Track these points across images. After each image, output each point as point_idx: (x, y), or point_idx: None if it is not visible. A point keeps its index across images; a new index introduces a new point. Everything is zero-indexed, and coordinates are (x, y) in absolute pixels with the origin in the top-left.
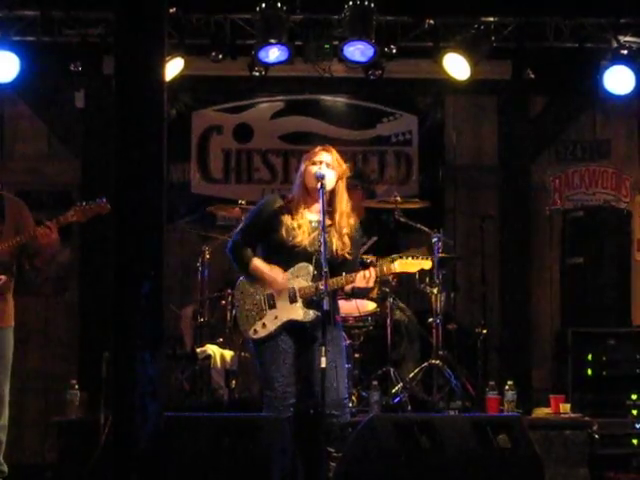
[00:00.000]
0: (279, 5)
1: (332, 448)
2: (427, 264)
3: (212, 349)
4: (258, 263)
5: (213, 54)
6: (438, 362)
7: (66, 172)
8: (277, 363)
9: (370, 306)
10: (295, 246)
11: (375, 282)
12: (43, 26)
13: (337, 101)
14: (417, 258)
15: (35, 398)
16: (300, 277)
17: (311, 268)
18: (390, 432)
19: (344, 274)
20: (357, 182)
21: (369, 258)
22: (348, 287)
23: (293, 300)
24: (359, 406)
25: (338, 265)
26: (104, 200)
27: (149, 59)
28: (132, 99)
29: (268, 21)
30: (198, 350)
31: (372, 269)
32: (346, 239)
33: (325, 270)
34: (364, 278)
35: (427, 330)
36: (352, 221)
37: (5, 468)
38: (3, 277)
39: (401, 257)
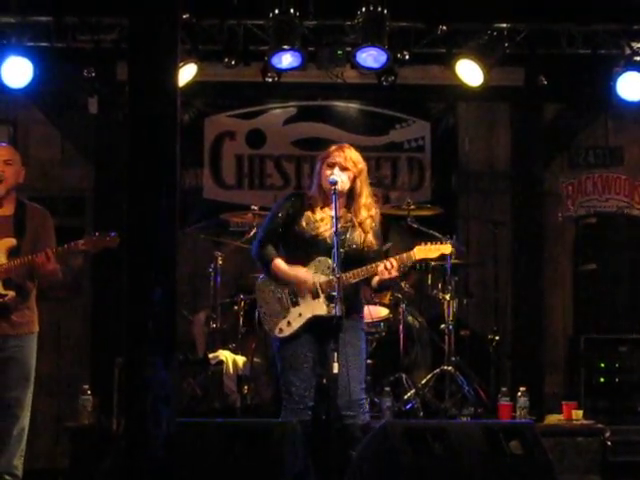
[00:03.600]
0: (292, 11)
1: (353, 451)
2: (447, 248)
3: (224, 355)
4: (279, 263)
5: (226, 60)
6: (450, 368)
7: (79, 178)
8: (295, 367)
9: (382, 312)
10: (316, 236)
11: (399, 271)
12: (56, 32)
13: (350, 107)
14: (436, 244)
15: (47, 403)
16: (320, 272)
17: (330, 262)
18: (402, 438)
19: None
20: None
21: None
22: (375, 281)
23: (316, 296)
24: (371, 412)
25: (365, 258)
26: (114, 234)
27: (162, 65)
28: (145, 105)
29: (281, 27)
30: (210, 356)
31: (392, 259)
32: (367, 229)
33: (338, 275)
34: (386, 269)
35: (439, 336)
36: (372, 213)
37: (20, 473)
38: (11, 293)
39: (419, 244)
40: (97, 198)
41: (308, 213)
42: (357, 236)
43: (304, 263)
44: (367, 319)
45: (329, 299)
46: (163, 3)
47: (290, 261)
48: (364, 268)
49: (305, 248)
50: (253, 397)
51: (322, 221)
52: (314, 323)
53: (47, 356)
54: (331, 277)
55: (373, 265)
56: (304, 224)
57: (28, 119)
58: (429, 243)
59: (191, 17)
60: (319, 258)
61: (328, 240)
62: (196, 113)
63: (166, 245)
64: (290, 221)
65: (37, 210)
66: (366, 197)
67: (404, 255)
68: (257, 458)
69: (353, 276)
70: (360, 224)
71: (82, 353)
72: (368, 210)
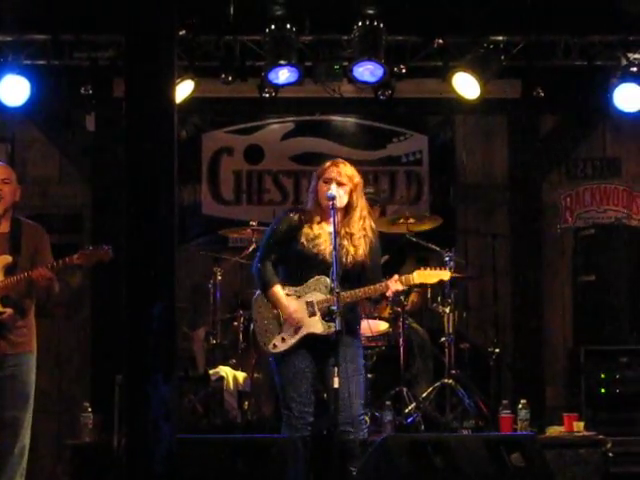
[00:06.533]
0: (288, 26)
1: (352, 467)
2: (446, 275)
3: (225, 371)
4: (277, 292)
5: (223, 76)
6: (451, 381)
7: (77, 195)
8: (295, 383)
9: (382, 326)
10: (317, 254)
11: (394, 294)
12: (53, 50)
13: (347, 121)
14: (435, 269)
15: (48, 421)
16: (317, 290)
17: (328, 280)
18: (404, 452)
19: (364, 287)
20: (377, 199)
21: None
22: (389, 293)
23: (312, 314)
24: (372, 426)
25: (359, 273)
26: (107, 247)
27: (159, 82)
28: (142, 122)
29: (278, 42)
30: (211, 372)
31: (390, 282)
32: (357, 242)
33: (337, 290)
34: (395, 282)
35: (440, 349)
36: (366, 226)
37: None
38: (9, 310)
39: (419, 268)
40: (95, 215)
41: (306, 230)
42: (354, 252)
43: (302, 280)
44: (367, 333)
45: (325, 317)
46: (159, 20)
47: (289, 278)
48: (361, 290)
49: (304, 265)
50: (254, 413)
51: (320, 237)
52: (311, 340)
53: (47, 374)
54: (328, 296)
55: (371, 287)
56: (304, 241)
57: (26, 137)
58: (429, 268)
59: (188, 33)
60: (317, 277)
61: (328, 257)
62: (193, 129)
63: (165, 261)
64: (289, 238)
65: (33, 227)
66: (361, 211)
67: (402, 278)
68: (258, 474)
69: (350, 296)
70: (357, 239)
71: (82, 370)
72: (364, 225)
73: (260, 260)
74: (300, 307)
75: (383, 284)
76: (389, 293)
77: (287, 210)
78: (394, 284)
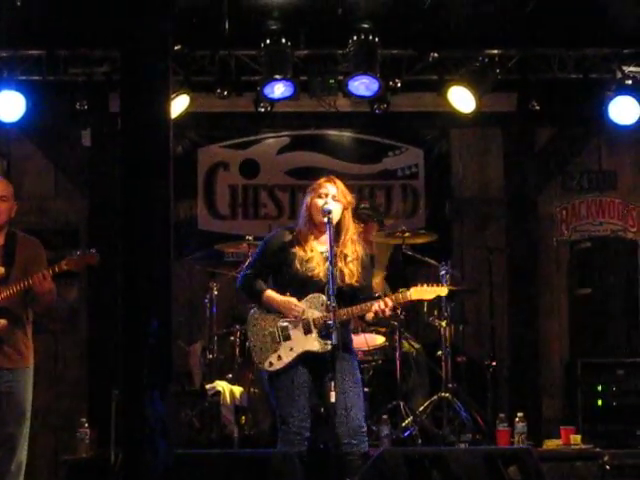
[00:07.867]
0: (284, 41)
1: (352, 479)
2: (443, 291)
3: (221, 385)
4: (271, 293)
5: (218, 90)
6: (448, 395)
7: (73, 210)
8: (291, 398)
9: (379, 340)
10: (311, 277)
11: (392, 311)
12: (48, 65)
13: (343, 136)
14: (432, 285)
15: (45, 437)
16: (314, 308)
17: (324, 298)
18: (401, 466)
19: (361, 304)
20: (371, 213)
21: (377, 293)
22: (370, 316)
23: (308, 331)
24: (369, 440)
25: (353, 292)
26: (93, 251)
27: (154, 96)
28: (138, 136)
29: (273, 57)
30: (207, 386)
31: (387, 298)
32: (352, 266)
33: (333, 305)
34: (380, 308)
35: (436, 363)
36: (358, 248)
37: None
38: (3, 321)
39: (416, 285)
40: (91, 230)
41: (299, 252)
42: (348, 271)
43: (297, 300)
44: (363, 347)
45: (321, 335)
46: (154, 35)
47: None
48: (358, 307)
49: (299, 287)
50: (251, 427)
51: (313, 260)
52: (308, 357)
53: (44, 389)
54: (324, 314)
55: (368, 304)
56: (297, 265)
57: (22, 153)
58: (425, 285)
59: (183, 48)
60: (312, 295)
61: (323, 279)
62: (189, 144)
63: (161, 277)
64: (280, 261)
65: (28, 240)
66: (352, 231)
67: (400, 295)
68: None
69: (347, 314)
70: (351, 261)
71: (79, 386)
72: (352, 245)
73: (246, 277)
74: (300, 307)
75: (380, 302)
76: (368, 316)
77: (278, 229)
78: (390, 301)
